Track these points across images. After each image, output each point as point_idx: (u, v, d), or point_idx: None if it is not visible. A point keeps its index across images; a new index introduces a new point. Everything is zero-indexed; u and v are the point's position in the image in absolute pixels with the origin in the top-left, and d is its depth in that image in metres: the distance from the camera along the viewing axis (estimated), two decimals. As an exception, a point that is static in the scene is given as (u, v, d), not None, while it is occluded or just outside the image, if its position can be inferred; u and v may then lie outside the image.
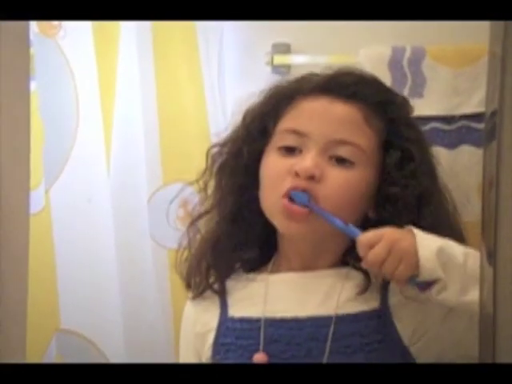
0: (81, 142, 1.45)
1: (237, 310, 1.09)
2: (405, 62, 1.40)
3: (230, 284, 1.12)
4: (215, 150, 1.16)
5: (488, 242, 1.21)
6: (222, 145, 1.15)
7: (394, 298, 1.04)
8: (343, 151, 1.04)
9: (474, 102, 1.35)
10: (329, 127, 1.05)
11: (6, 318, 1.19)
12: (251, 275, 1.13)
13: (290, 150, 1.06)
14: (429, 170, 1.10)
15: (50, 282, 1.42)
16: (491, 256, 1.14)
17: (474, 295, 0.90)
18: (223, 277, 1.13)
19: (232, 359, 1.05)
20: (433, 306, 1.01)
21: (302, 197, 1.03)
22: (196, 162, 1.46)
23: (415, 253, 0.95)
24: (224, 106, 1.51)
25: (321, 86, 1.09)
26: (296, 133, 1.06)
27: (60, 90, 1.43)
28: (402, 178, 1.07)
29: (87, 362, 1.42)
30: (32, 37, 1.34)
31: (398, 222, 1.03)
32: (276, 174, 1.06)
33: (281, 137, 1.08)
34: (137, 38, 1.46)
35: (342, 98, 1.07)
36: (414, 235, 0.97)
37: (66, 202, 1.44)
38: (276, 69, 1.51)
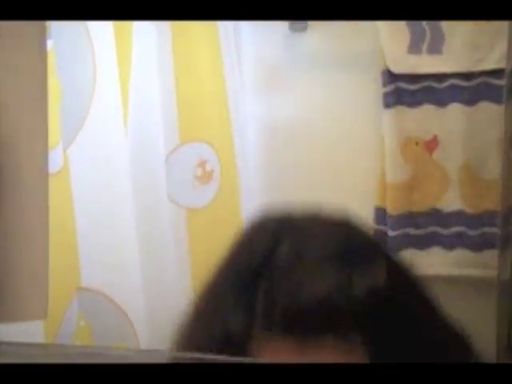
0: (98, 100, 1.44)
1: None
2: (423, 17, 1.38)
3: None
4: None
5: (507, 200, 1.21)
6: None
7: None
8: None
9: (494, 58, 1.34)
10: None
11: (28, 278, 1.21)
12: None
13: None
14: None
15: (71, 241, 1.43)
16: (510, 215, 1.14)
17: None
18: None
19: None
20: None
21: None
22: (213, 120, 1.47)
23: None
24: (240, 61, 1.50)
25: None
26: None
27: (76, 48, 1.43)
28: None
29: (108, 319, 1.44)
30: (47, -5, 1.34)
31: None
32: None
33: None
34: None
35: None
36: None
37: (84, 161, 1.44)
38: (293, 25, 1.49)
